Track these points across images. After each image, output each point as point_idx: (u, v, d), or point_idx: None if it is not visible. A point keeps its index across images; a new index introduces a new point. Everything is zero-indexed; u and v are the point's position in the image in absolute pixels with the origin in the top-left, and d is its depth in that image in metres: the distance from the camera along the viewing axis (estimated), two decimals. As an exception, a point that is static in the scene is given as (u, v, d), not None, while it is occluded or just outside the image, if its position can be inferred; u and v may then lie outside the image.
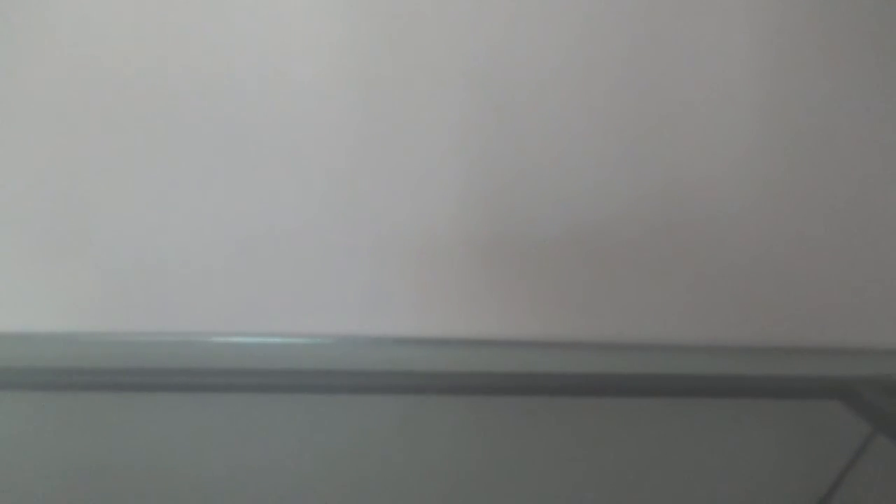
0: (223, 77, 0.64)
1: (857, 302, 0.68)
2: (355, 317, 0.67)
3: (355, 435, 0.69)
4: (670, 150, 0.66)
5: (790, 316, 0.68)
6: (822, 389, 0.65)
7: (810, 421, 0.68)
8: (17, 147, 0.65)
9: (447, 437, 0.70)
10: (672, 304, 0.68)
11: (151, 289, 0.66)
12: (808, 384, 0.65)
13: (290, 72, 0.64)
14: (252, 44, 0.64)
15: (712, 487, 0.71)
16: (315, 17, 0.64)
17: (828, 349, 0.67)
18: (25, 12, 0.63)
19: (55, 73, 0.64)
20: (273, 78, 0.64)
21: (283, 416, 0.69)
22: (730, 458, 0.70)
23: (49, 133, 0.64)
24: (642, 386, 0.65)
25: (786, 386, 0.65)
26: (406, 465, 0.70)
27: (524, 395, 0.66)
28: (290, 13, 0.63)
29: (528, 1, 0.64)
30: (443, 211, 0.66)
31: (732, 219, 0.67)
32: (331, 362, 0.65)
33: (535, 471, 0.70)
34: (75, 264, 0.66)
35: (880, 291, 0.68)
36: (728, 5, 0.64)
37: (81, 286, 0.66)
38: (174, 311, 0.67)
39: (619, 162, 0.66)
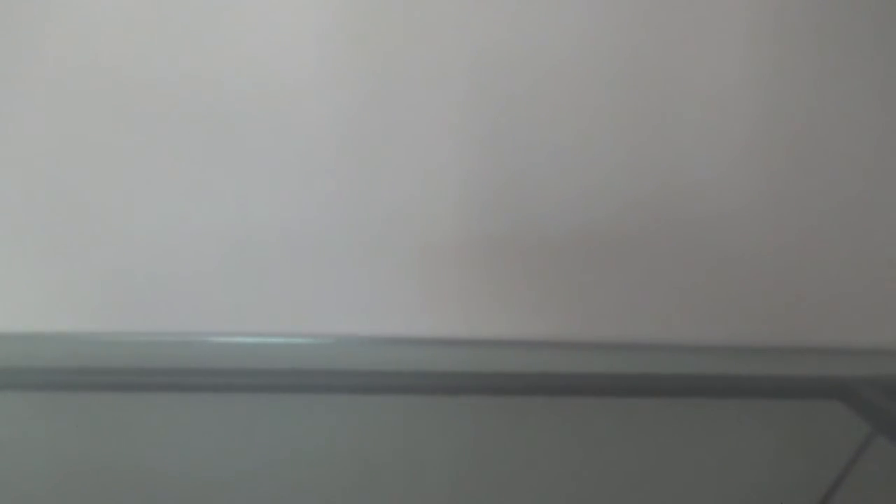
0: (223, 78, 0.64)
1: (856, 302, 0.68)
2: (355, 317, 0.67)
3: (355, 435, 0.69)
4: (671, 151, 0.66)
5: (790, 316, 0.68)
6: (821, 389, 0.65)
7: (810, 421, 0.68)
8: (16, 147, 0.65)
9: (447, 437, 0.70)
10: (672, 304, 0.68)
11: (151, 289, 0.66)
12: (808, 384, 0.65)
13: (290, 72, 0.64)
14: (251, 44, 0.64)
15: (712, 487, 0.71)
16: (314, 17, 0.64)
17: (828, 349, 0.67)
18: (23, 13, 0.63)
19: (54, 73, 0.64)
20: (272, 78, 0.64)
21: (283, 416, 0.69)
22: (730, 458, 0.70)
23: (48, 134, 0.64)
24: (642, 386, 0.65)
25: (786, 386, 0.65)
26: (406, 465, 0.70)
27: (524, 395, 0.66)
28: (289, 12, 0.63)
29: (529, 1, 0.64)
30: (443, 211, 0.66)
31: (732, 219, 0.67)
32: (331, 362, 0.65)
33: (535, 471, 0.70)
34: (75, 264, 0.66)
35: (880, 291, 0.68)
36: (728, 4, 0.64)
37: (81, 286, 0.66)
38: (174, 311, 0.67)
39: (620, 162, 0.66)
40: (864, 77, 0.65)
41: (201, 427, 0.69)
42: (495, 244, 0.67)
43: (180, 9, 0.63)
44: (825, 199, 0.67)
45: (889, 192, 0.67)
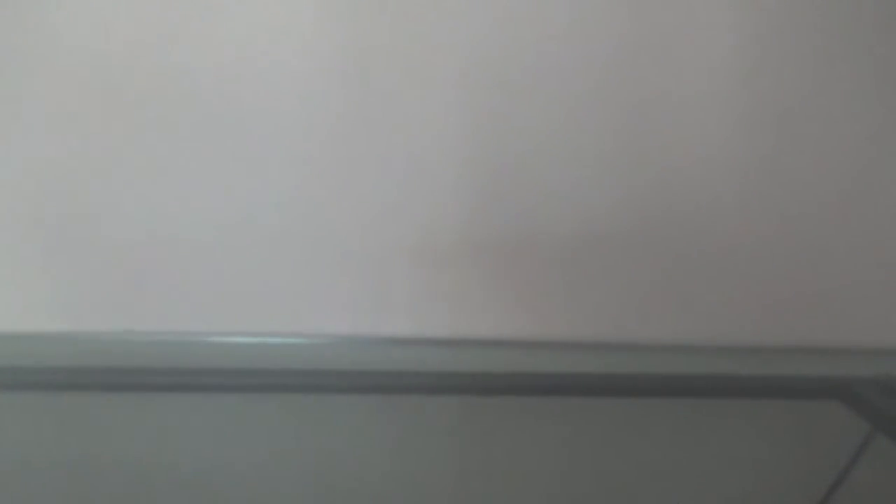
0: (223, 78, 0.64)
1: (856, 302, 0.68)
2: (355, 317, 0.67)
3: (355, 435, 0.69)
4: (671, 151, 0.66)
5: (790, 316, 0.68)
6: (822, 389, 0.65)
7: (810, 421, 0.68)
8: (16, 148, 0.65)
9: (447, 437, 0.70)
10: (671, 304, 0.68)
11: (151, 289, 0.66)
12: (808, 384, 0.65)
13: (289, 72, 0.64)
14: (251, 45, 0.64)
15: (712, 487, 0.71)
16: (313, 17, 0.63)
17: (828, 349, 0.67)
18: (24, 14, 0.63)
19: (53, 73, 0.64)
20: (271, 79, 0.64)
21: (283, 416, 0.69)
22: (730, 458, 0.70)
23: (48, 134, 0.64)
24: (642, 386, 0.65)
25: (786, 386, 0.65)
26: (405, 465, 0.70)
27: (523, 396, 0.66)
28: (288, 12, 0.63)
29: (524, 0, 0.64)
30: (442, 211, 0.66)
31: (732, 220, 0.67)
32: (331, 362, 0.65)
33: (535, 471, 0.70)
34: (75, 264, 0.66)
35: (880, 291, 0.68)
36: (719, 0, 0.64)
37: (81, 286, 0.66)
38: (173, 311, 0.67)
39: (620, 162, 0.66)
40: (859, 75, 0.65)
41: (201, 427, 0.69)
42: (495, 244, 0.67)
43: (178, 10, 0.63)
44: (826, 199, 0.66)
45: (890, 192, 0.66)
